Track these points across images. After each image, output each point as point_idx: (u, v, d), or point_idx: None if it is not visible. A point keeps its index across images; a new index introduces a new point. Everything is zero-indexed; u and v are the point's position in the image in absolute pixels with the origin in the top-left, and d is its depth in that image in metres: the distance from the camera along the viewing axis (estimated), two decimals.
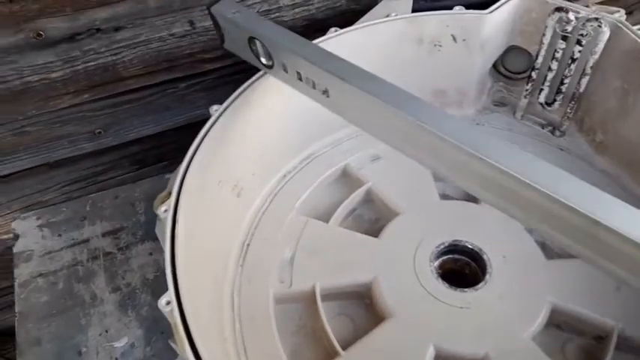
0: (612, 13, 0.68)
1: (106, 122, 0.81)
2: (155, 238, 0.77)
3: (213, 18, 0.59)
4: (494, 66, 0.84)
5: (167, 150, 0.93)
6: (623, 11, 0.69)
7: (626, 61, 0.67)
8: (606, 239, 0.37)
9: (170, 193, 0.56)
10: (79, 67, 0.72)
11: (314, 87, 0.54)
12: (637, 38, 0.65)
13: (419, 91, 0.81)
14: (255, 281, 0.68)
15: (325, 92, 0.53)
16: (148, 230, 0.83)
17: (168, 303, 0.46)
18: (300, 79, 0.55)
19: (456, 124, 0.45)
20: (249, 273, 0.69)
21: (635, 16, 1.26)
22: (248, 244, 0.72)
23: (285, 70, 0.57)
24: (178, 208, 0.54)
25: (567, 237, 0.40)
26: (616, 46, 0.68)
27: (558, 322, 0.63)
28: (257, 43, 0.58)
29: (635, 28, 0.67)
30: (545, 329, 0.62)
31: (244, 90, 0.66)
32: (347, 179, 0.80)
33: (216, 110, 0.63)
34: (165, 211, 0.54)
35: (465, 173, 0.46)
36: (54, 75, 0.71)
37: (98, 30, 0.69)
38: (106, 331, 0.70)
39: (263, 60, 0.60)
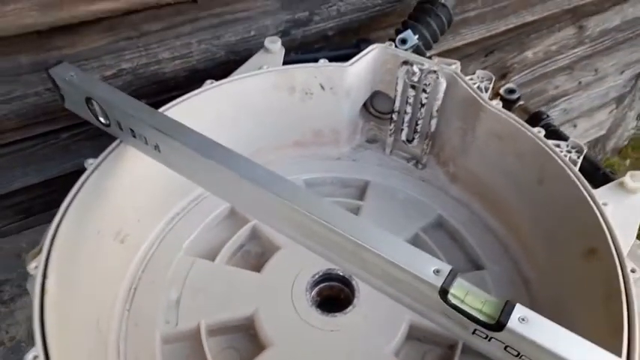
0: (450, 65, 0.81)
1: None
2: None
3: (52, 79, 0.64)
4: (365, 107, 0.94)
5: (55, 197, 0.91)
6: (458, 63, 0.81)
7: (463, 105, 0.79)
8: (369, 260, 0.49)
9: (41, 249, 0.58)
10: None
11: (146, 143, 0.61)
12: (467, 87, 0.77)
13: (299, 132, 0.91)
14: (141, 324, 0.70)
15: (157, 147, 0.60)
16: None
17: (35, 357, 0.48)
18: (134, 135, 0.62)
19: (257, 169, 0.56)
20: (135, 317, 0.71)
21: (494, 55, 1.45)
22: (135, 288, 0.74)
23: (121, 128, 0.63)
24: (49, 262, 0.56)
25: (346, 262, 0.52)
26: (453, 94, 0.80)
27: (418, 336, 0.71)
28: (94, 103, 0.64)
29: (467, 78, 0.79)
30: (407, 343, 0.70)
31: (117, 145, 0.69)
32: (234, 218, 0.85)
33: (91, 164, 0.66)
34: (36, 267, 0.56)
35: (272, 216, 0.57)
36: None
37: None
38: None
39: (101, 119, 0.66)
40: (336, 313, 0.70)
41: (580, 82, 1.85)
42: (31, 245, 0.87)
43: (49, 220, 0.93)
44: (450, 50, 1.27)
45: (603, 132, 2.27)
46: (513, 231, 0.78)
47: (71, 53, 0.74)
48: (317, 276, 0.74)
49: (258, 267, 0.78)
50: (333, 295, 0.77)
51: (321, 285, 0.76)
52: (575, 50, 1.67)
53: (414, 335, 0.71)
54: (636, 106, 2.29)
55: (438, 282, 0.46)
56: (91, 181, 0.65)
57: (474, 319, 0.45)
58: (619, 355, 0.47)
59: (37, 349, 0.49)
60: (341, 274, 0.75)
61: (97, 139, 0.86)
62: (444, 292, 0.46)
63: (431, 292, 0.46)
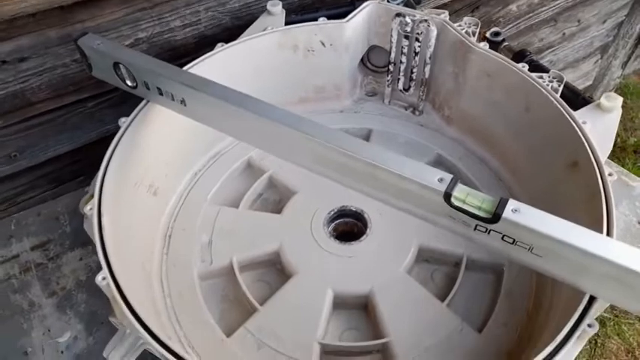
0: (439, 15, 0.88)
1: (20, 145, 0.87)
2: (83, 245, 0.86)
3: (80, 49, 0.70)
4: (362, 62, 1.02)
5: (82, 165, 1.00)
6: (446, 12, 0.88)
7: (453, 50, 0.87)
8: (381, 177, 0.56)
9: (92, 196, 0.66)
10: None
11: (173, 99, 0.67)
12: (456, 33, 0.84)
13: (302, 89, 0.99)
14: (179, 265, 0.79)
15: (182, 102, 0.66)
16: (75, 239, 0.90)
17: (103, 278, 0.56)
18: (161, 93, 0.68)
19: (277, 111, 0.62)
20: (173, 259, 0.80)
21: (480, 10, 1.51)
22: (169, 235, 0.83)
23: (148, 88, 0.69)
24: (101, 204, 0.64)
25: (359, 183, 0.60)
26: (444, 40, 0.87)
27: (426, 257, 0.80)
28: (121, 67, 0.70)
29: (455, 25, 0.86)
30: (416, 264, 0.79)
31: (144, 106, 0.76)
32: (251, 170, 0.93)
33: (124, 122, 0.74)
34: (91, 209, 0.63)
35: (293, 151, 0.64)
36: None
37: (4, 62, 0.76)
38: (49, 330, 0.78)
39: (128, 82, 0.72)
40: (352, 242, 0.79)
41: (564, 34, 1.92)
42: (65, 208, 0.96)
43: (78, 187, 1.02)
44: (438, 7, 1.33)
45: (590, 82, 2.34)
46: (504, 159, 0.87)
47: (92, 25, 0.80)
48: (332, 213, 0.83)
49: (276, 211, 0.86)
50: (348, 230, 0.85)
51: (337, 221, 0.84)
52: (558, 1, 1.73)
53: (423, 257, 0.80)
54: (620, 55, 2.35)
55: (442, 187, 0.54)
56: (125, 137, 0.72)
57: (475, 215, 0.53)
58: None
59: (104, 272, 0.57)
60: (353, 209, 0.83)
61: (119, 107, 0.94)
62: (447, 196, 0.54)
63: (437, 197, 0.54)
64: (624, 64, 2.47)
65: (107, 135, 0.95)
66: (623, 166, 0.75)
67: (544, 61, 1.94)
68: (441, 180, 0.55)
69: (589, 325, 0.50)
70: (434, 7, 1.26)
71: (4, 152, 0.87)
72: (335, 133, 0.60)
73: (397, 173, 0.56)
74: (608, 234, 0.57)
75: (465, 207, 0.53)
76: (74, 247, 0.89)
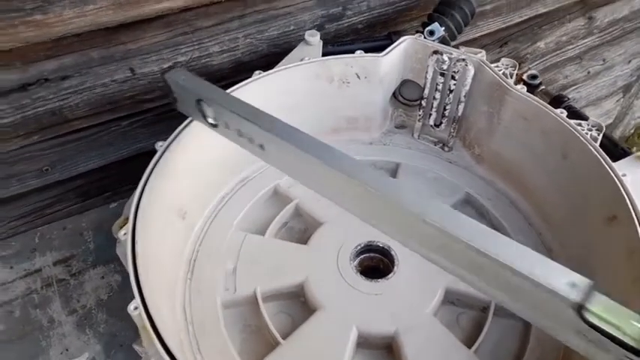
0: (476, 54, 0.88)
1: (53, 160, 0.88)
2: (106, 262, 0.86)
3: (166, 83, 0.68)
4: (394, 95, 1.02)
5: (110, 182, 1.00)
6: (483, 52, 0.88)
7: (489, 90, 0.87)
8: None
9: (126, 219, 0.66)
10: (29, 113, 0.79)
11: (251, 142, 0.65)
12: (494, 74, 0.84)
13: (335, 119, 0.99)
14: (203, 292, 0.78)
15: (261, 146, 0.64)
16: (98, 256, 0.90)
17: (135, 308, 0.56)
18: (241, 135, 0.66)
19: (367, 172, 0.53)
20: (197, 285, 0.79)
21: (509, 45, 1.52)
22: (194, 260, 0.82)
23: (228, 128, 0.67)
24: (136, 231, 0.64)
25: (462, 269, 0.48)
26: (480, 79, 0.87)
27: (452, 300, 0.79)
28: (203, 105, 0.69)
29: (492, 65, 0.86)
30: (442, 306, 0.78)
31: (183, 128, 0.77)
32: (278, 197, 0.93)
33: (161, 146, 0.74)
34: (125, 234, 0.63)
35: (385, 223, 0.54)
36: (5, 121, 0.78)
37: (47, 80, 0.77)
38: (67, 350, 0.77)
39: (210, 120, 0.70)
40: (379, 279, 0.78)
41: (589, 72, 1.92)
42: (90, 224, 0.96)
43: (104, 203, 1.02)
44: (468, 42, 1.34)
45: (610, 120, 2.33)
46: (536, 204, 0.86)
47: (134, 48, 0.82)
48: (359, 247, 0.82)
49: (302, 241, 0.86)
50: (373, 265, 0.84)
51: (362, 256, 0.84)
52: (585, 40, 1.74)
53: (449, 299, 0.78)
54: None
55: (574, 296, 0.39)
56: (161, 161, 0.72)
57: (619, 342, 0.37)
58: None
59: (137, 302, 0.56)
60: (380, 245, 0.82)
61: (153, 126, 0.94)
62: (580, 309, 0.38)
63: (565, 307, 0.39)
64: None
65: (138, 153, 0.96)
66: None
67: None
68: (572, 285, 0.39)
69: None
70: (463, 42, 1.27)
71: (36, 166, 0.87)
72: (445, 212, 0.47)
73: (517, 270, 0.41)
74: None
75: (605, 327, 0.37)
76: (97, 264, 0.89)
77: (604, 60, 1.93)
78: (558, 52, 1.71)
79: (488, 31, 1.38)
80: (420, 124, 0.99)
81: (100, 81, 0.82)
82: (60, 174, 0.92)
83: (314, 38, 0.91)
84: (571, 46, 1.72)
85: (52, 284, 0.85)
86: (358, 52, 0.89)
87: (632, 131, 2.75)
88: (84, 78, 0.80)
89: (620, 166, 0.69)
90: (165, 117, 0.95)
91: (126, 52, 0.81)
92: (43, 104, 0.80)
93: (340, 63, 0.88)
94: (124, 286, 0.86)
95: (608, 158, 0.69)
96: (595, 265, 0.70)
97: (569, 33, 1.65)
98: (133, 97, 0.88)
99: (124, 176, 1.00)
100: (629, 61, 2.06)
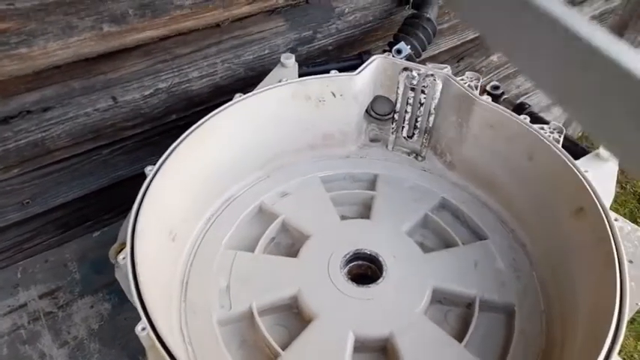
0: (442, 69, 0.94)
1: (34, 192, 0.87)
2: (94, 292, 0.86)
3: None
4: (367, 111, 1.07)
5: (90, 211, 1.00)
6: (449, 67, 0.95)
7: (457, 102, 0.93)
8: None
9: (122, 244, 0.67)
10: (11, 146, 0.79)
11: None
12: (460, 86, 0.91)
13: (312, 136, 1.03)
14: (198, 312, 0.79)
15: None
16: (85, 286, 0.89)
17: (143, 329, 0.57)
18: None
19: None
20: (192, 305, 0.80)
21: (465, 60, 1.61)
22: (186, 282, 0.83)
23: None
24: (134, 254, 0.64)
25: None
26: (448, 92, 0.93)
27: (439, 299, 0.83)
28: None
29: (458, 78, 0.93)
30: (430, 305, 0.82)
31: (172, 152, 0.78)
32: (263, 214, 0.95)
33: (151, 170, 0.75)
34: (124, 258, 0.64)
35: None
36: None
37: (29, 112, 0.78)
38: None
39: None
40: (370, 285, 0.81)
41: None
42: (74, 255, 0.95)
43: (84, 234, 1.01)
44: (428, 59, 1.42)
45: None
46: (506, 204, 0.92)
47: (115, 77, 0.83)
48: (348, 255, 0.85)
49: (290, 255, 0.88)
50: (362, 273, 0.88)
51: (351, 264, 0.87)
52: None
53: (436, 298, 0.83)
54: None
55: None
56: (152, 185, 0.74)
57: None
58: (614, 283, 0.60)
59: (144, 322, 0.57)
60: (368, 252, 0.86)
61: (132, 154, 0.95)
62: None
63: None
64: None
65: (118, 181, 0.96)
66: None
67: None
68: None
69: None
70: (424, 59, 1.34)
71: (16, 200, 0.86)
72: None
73: None
74: (620, 273, 0.62)
75: None
76: (84, 294, 0.88)
77: None
78: (509, 64, 1.83)
79: (446, 47, 1.47)
80: (394, 136, 1.04)
81: (83, 110, 0.83)
82: (40, 206, 0.91)
83: (289, 61, 0.95)
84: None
85: (40, 318, 0.83)
86: (333, 71, 0.94)
87: (580, 134, 2.94)
88: (66, 108, 0.81)
89: (582, 164, 0.76)
90: (146, 143, 0.96)
91: (107, 82, 0.82)
92: (25, 136, 0.79)
93: (317, 83, 0.93)
94: (114, 314, 0.85)
95: (571, 157, 0.76)
96: (567, 254, 0.76)
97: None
98: (114, 125, 0.89)
99: (103, 205, 1.00)
100: None
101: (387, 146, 1.07)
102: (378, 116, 1.08)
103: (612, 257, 0.63)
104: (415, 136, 1.02)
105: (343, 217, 0.95)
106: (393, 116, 1.01)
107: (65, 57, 0.74)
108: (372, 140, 1.09)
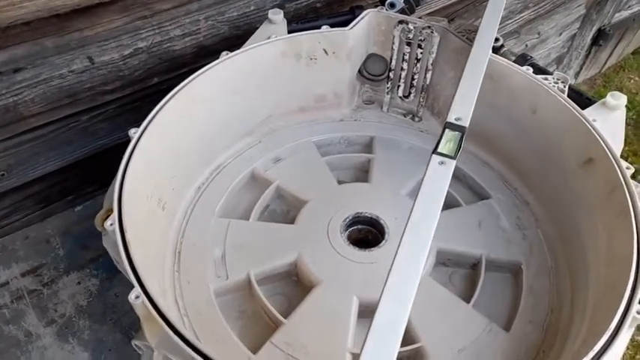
0: (439, 22, 0.90)
1: (9, 163, 0.81)
2: (80, 268, 0.81)
3: None
4: (360, 72, 1.02)
5: (71, 184, 0.94)
6: (445, 20, 0.90)
7: (455, 56, 0.89)
8: None
9: (108, 210, 0.62)
10: None
11: None
12: (458, 39, 0.86)
13: (303, 98, 0.98)
14: (193, 282, 0.75)
15: None
16: (70, 262, 0.84)
17: (137, 297, 0.53)
18: None
19: None
20: (186, 276, 0.76)
21: (455, 22, 1.56)
22: (179, 252, 0.78)
23: None
24: (122, 219, 0.60)
25: None
26: (446, 46, 0.89)
27: (443, 261, 0.80)
28: None
29: (456, 32, 0.88)
30: (435, 267, 0.79)
31: (156, 114, 0.73)
32: (256, 181, 0.91)
33: (135, 132, 0.70)
34: (112, 224, 0.59)
35: None
36: None
37: None
38: None
39: None
40: (373, 248, 0.78)
41: (526, 45, 2.02)
42: (56, 230, 0.90)
43: (66, 208, 0.95)
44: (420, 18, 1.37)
45: None
46: (508, 162, 0.89)
47: (91, 34, 0.76)
48: (348, 220, 0.82)
49: (287, 222, 0.84)
50: (361, 237, 0.84)
51: (352, 228, 0.83)
52: (522, 15, 1.83)
53: (440, 260, 0.80)
54: (574, 65, 2.50)
55: None
56: (137, 148, 0.68)
57: None
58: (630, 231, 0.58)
59: (137, 290, 0.53)
60: (368, 215, 0.82)
61: (113, 120, 0.89)
62: None
63: None
64: (577, 74, 2.63)
65: (100, 150, 0.90)
66: None
67: None
68: None
69: (638, 312, 0.51)
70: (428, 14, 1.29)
71: None
72: None
73: None
74: (636, 220, 0.59)
75: None
76: (70, 270, 0.83)
77: (539, 33, 2.04)
78: (499, 27, 1.79)
79: (436, 8, 1.41)
80: (389, 97, 1.00)
81: (57, 72, 0.76)
82: (17, 179, 0.85)
83: (277, 16, 0.89)
84: (510, 21, 1.81)
85: (24, 296, 0.78)
86: (324, 27, 0.89)
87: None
88: (38, 70, 0.74)
89: (589, 113, 0.73)
90: (127, 109, 0.90)
91: (82, 40, 0.76)
92: None
93: (308, 39, 0.88)
94: (103, 290, 0.80)
95: (577, 107, 0.73)
96: (575, 208, 0.74)
97: (507, 7, 1.73)
98: (92, 89, 0.82)
99: (85, 177, 0.94)
100: (560, 34, 2.19)
101: (382, 108, 1.02)
102: (371, 77, 1.03)
103: (627, 205, 0.60)
104: (411, 96, 0.98)
105: (340, 182, 0.91)
106: (388, 75, 0.96)
107: (35, 10, 0.68)
108: (366, 102, 1.05)
